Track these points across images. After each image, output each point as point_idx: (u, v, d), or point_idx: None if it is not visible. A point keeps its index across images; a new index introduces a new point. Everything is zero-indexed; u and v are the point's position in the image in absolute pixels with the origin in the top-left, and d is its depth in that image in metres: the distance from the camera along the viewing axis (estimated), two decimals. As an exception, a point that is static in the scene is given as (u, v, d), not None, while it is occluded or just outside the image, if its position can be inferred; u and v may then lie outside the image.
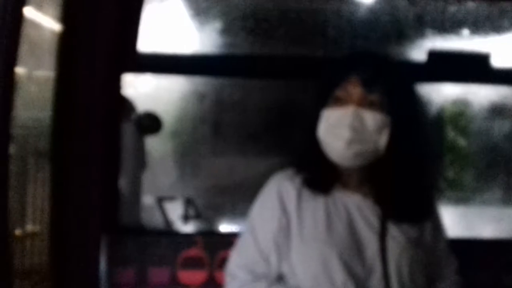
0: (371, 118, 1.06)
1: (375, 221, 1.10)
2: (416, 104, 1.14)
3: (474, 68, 1.66)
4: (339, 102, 1.09)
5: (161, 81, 1.58)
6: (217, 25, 1.60)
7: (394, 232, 1.10)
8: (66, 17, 1.45)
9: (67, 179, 1.45)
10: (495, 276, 1.65)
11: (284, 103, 1.61)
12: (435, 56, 1.63)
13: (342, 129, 1.06)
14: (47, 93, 1.47)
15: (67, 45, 1.46)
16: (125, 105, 1.56)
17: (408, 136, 1.10)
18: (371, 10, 1.64)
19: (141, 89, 1.58)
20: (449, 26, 1.72)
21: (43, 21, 1.51)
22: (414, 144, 1.12)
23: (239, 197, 1.59)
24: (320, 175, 1.14)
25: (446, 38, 1.72)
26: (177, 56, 1.57)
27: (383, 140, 1.08)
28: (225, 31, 1.60)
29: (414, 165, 1.12)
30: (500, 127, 1.91)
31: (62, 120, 1.45)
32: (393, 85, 1.09)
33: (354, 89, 1.08)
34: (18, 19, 1.19)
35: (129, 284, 1.47)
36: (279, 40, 1.61)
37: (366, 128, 1.06)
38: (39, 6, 1.46)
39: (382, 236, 1.09)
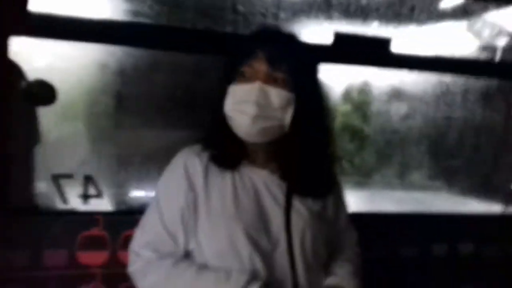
0: (276, 95, 1.09)
1: (280, 196, 1.15)
2: (319, 83, 1.18)
3: (376, 52, 1.76)
4: (245, 78, 1.10)
5: (56, 46, 1.45)
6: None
7: (299, 206, 1.15)
8: None
9: None
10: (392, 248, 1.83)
11: (192, 77, 1.57)
12: (340, 38, 1.71)
13: (248, 105, 1.07)
14: None
15: None
16: (13, 71, 1.41)
17: (311, 114, 1.15)
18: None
19: (33, 54, 1.43)
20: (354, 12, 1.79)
21: None
22: (317, 122, 1.17)
23: (144, 174, 1.54)
24: (227, 151, 1.15)
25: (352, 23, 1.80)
26: (76, 20, 1.44)
27: (287, 117, 1.11)
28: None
29: (318, 142, 1.17)
30: (398, 111, 2.07)
31: None
32: (297, 64, 1.12)
33: (260, 66, 1.09)
34: None
35: (22, 268, 1.38)
36: (188, 12, 1.56)
37: (271, 105, 1.09)
38: None
39: (287, 210, 1.14)
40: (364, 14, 1.79)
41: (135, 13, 1.49)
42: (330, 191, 1.23)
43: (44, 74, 1.41)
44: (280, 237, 1.12)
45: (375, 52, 1.77)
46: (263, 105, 1.08)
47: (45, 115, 1.47)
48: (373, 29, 1.83)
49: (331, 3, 1.74)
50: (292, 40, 1.16)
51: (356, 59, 1.75)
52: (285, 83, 1.10)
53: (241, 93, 1.09)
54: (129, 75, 1.49)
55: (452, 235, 1.93)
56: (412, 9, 1.88)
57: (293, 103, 1.11)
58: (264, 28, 1.20)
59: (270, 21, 1.62)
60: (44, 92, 1.39)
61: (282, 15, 1.62)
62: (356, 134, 2.14)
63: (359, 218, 1.34)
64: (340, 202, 1.29)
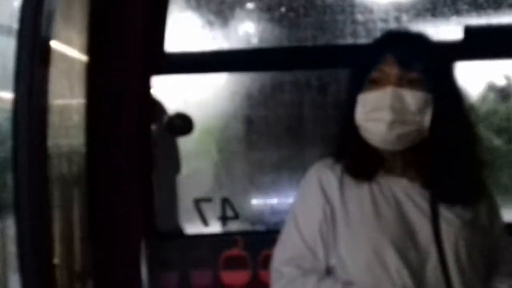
0: (412, 97, 1.04)
1: (425, 205, 1.08)
2: (456, 81, 1.12)
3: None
4: (376, 84, 1.07)
5: (189, 80, 1.61)
6: (240, 19, 1.62)
7: (447, 215, 1.07)
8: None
9: (105, 188, 1.49)
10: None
11: (317, 93, 1.60)
12: (471, 32, 1.59)
13: (382, 111, 1.04)
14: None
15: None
16: (156, 108, 1.59)
17: (451, 114, 1.08)
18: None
19: (170, 90, 1.61)
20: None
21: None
22: (458, 122, 1.09)
23: (278, 193, 1.59)
24: (361, 161, 1.12)
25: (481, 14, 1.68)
26: (203, 54, 1.59)
27: (426, 119, 1.06)
28: (250, 24, 1.61)
29: (460, 145, 1.09)
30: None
31: (96, 132, 1.50)
32: (431, 62, 1.07)
33: (391, 69, 1.06)
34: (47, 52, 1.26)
35: (173, 288, 1.50)
36: (307, 30, 1.62)
37: (408, 108, 1.04)
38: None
39: (435, 220, 1.07)
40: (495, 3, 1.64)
41: (258, 39, 1.59)
42: (480, 198, 1.13)
43: (182, 107, 1.57)
44: (430, 250, 1.05)
45: None
46: (399, 110, 1.04)
47: (184, 144, 1.62)
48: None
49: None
50: (421, 39, 1.12)
51: (493, 52, 1.61)
52: (419, 84, 1.05)
53: (372, 101, 1.07)
54: (257, 99, 1.58)
55: None
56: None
57: (431, 105, 1.06)
58: (390, 32, 1.17)
59: (392, 25, 1.59)
60: (183, 123, 1.54)
61: (404, 17, 1.58)
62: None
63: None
64: (494, 211, 1.17)
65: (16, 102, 1.21)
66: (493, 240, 1.15)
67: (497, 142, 1.90)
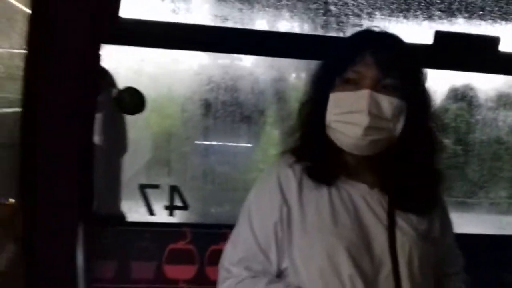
0: (388, 103, 1.06)
1: (382, 213, 1.11)
2: (427, 89, 1.14)
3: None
4: (350, 85, 1.07)
5: (145, 53, 1.53)
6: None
7: (403, 224, 1.11)
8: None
9: (40, 165, 1.40)
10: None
11: (280, 83, 1.59)
12: (441, 37, 1.63)
13: (358, 114, 1.05)
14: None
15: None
16: (105, 79, 1.50)
17: (420, 123, 1.11)
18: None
19: (122, 62, 1.53)
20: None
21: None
22: (425, 132, 1.13)
23: (232, 186, 1.58)
24: (324, 164, 1.13)
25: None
26: (165, 25, 1.51)
27: (399, 127, 1.09)
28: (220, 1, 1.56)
29: (424, 154, 1.13)
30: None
31: (33, 99, 1.39)
32: (408, 68, 1.09)
33: (368, 71, 1.06)
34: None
35: (110, 279, 1.46)
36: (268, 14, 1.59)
37: (383, 115, 1.06)
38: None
39: (391, 228, 1.10)
40: (468, 12, 1.70)
41: (223, 18, 1.54)
42: (435, 209, 1.18)
43: (134, 82, 1.50)
44: (384, 259, 1.08)
45: (482, 53, 1.67)
46: (375, 115, 1.05)
47: (133, 123, 1.55)
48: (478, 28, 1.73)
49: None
50: (401, 43, 1.13)
51: (460, 61, 1.67)
52: (394, 90, 1.06)
53: (348, 102, 1.07)
54: (218, 84, 1.54)
55: None
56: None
57: (404, 113, 1.08)
58: (369, 30, 1.16)
59: (365, 22, 1.60)
60: (134, 100, 1.47)
61: (377, 14, 1.59)
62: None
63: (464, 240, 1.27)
64: (446, 223, 1.23)
65: None
66: (443, 253, 1.21)
67: (445, 142, 1.99)
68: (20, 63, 1.42)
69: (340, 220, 1.09)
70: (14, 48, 1.47)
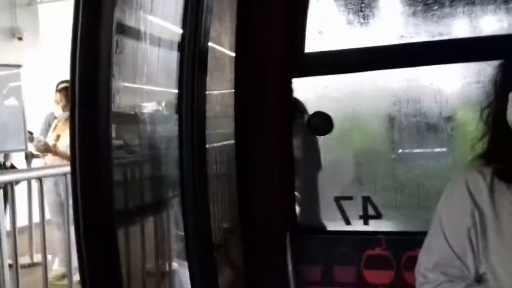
0: None
1: None
2: None
3: None
4: None
5: (329, 80, 1.72)
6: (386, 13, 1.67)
7: None
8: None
9: (252, 184, 1.70)
10: None
11: (461, 89, 1.59)
12: None
13: None
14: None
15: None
16: (297, 108, 1.75)
17: None
18: None
19: (310, 91, 1.75)
20: None
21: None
22: None
23: (421, 194, 1.63)
24: (516, 164, 1.13)
25: None
26: (342, 53, 1.68)
27: None
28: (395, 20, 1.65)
29: None
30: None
31: (243, 131, 1.71)
32: None
33: None
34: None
35: (316, 282, 1.66)
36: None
37: None
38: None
39: None
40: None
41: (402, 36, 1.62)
42: None
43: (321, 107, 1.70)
44: None
45: None
46: None
47: (325, 143, 1.75)
48: None
49: None
50: None
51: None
52: None
53: None
54: (398, 98, 1.63)
55: None
56: None
57: None
58: None
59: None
60: (322, 122, 1.67)
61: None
62: None
63: None
64: None
65: (180, 104, 1.46)
66: None
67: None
68: (230, 102, 1.76)
69: (537, 223, 1.08)
70: (224, 89, 1.82)
